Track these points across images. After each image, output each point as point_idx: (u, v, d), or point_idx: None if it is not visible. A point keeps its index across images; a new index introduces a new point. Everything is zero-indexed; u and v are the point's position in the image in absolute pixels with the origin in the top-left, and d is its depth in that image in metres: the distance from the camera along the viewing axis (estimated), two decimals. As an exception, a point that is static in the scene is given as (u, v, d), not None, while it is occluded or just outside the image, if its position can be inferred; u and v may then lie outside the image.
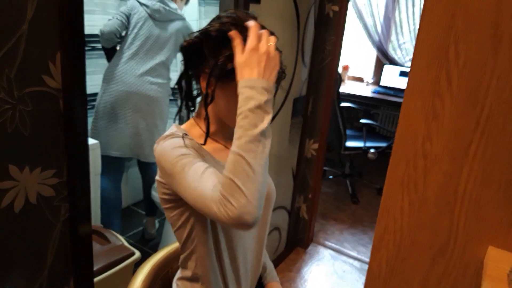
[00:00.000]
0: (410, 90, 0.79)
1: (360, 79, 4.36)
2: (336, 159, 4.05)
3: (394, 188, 0.85)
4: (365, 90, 4.00)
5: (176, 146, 0.81)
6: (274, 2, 1.75)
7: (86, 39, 2.11)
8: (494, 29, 0.69)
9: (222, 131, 0.94)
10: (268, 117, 0.72)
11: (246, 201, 0.67)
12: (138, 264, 1.31)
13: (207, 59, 0.84)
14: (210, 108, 0.88)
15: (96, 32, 2.15)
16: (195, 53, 0.86)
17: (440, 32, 0.73)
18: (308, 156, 2.47)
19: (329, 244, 2.70)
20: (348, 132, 3.39)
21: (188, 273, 0.96)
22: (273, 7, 1.75)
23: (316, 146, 2.42)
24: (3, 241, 0.97)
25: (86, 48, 2.26)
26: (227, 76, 0.80)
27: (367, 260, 2.51)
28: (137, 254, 1.54)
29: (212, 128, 0.92)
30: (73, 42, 0.96)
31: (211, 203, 0.71)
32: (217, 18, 0.86)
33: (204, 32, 0.85)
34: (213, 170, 0.77)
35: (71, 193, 1.07)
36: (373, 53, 4.26)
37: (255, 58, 0.73)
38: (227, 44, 0.79)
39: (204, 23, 2.94)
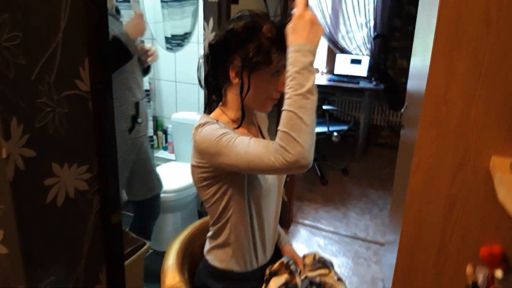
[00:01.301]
0: (435, 59, 1.10)
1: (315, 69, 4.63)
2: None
3: (425, 125, 1.15)
4: (321, 79, 4.27)
5: (215, 128, 0.96)
6: (249, 2, 1.91)
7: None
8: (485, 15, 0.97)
9: (246, 117, 1.08)
10: (313, 76, 0.85)
11: (301, 148, 0.81)
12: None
13: (235, 53, 0.99)
14: (235, 97, 1.03)
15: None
16: (222, 49, 1.01)
17: (452, 22, 1.06)
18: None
19: (307, 222, 2.92)
20: (312, 119, 3.64)
21: (219, 241, 1.10)
22: (248, 6, 1.91)
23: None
24: (48, 234, 1.06)
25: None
26: (256, 67, 0.96)
27: (343, 233, 2.76)
28: (148, 243, 1.64)
29: (238, 115, 1.07)
30: (99, 48, 1.07)
31: (267, 156, 0.84)
32: (238, 18, 1.01)
33: (230, 30, 1.00)
34: (256, 139, 0.91)
35: (102, 187, 1.17)
36: (324, 44, 4.54)
37: (302, 24, 0.86)
38: (252, 38, 0.94)
39: (169, 25, 3.04)
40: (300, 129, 0.82)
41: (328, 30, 4.37)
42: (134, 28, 1.75)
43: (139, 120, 1.92)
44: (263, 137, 1.20)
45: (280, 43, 0.96)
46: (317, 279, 1.14)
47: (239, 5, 1.78)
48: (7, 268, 1.01)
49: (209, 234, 1.15)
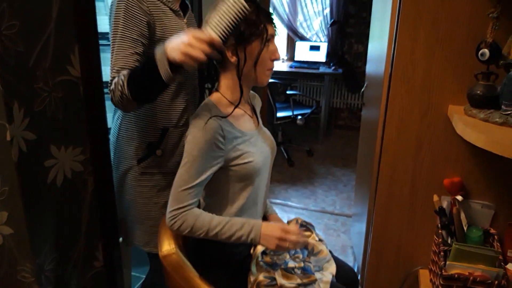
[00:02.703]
0: (402, 28, 1.31)
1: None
2: (269, 130, 4.44)
3: (397, 83, 1.37)
4: (283, 66, 4.41)
5: (201, 142, 1.07)
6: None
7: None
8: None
9: (244, 95, 1.16)
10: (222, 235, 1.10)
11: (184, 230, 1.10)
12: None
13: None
14: (231, 80, 1.13)
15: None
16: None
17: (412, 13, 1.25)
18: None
19: (279, 201, 3.07)
20: (277, 105, 3.78)
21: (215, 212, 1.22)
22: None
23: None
24: (51, 214, 1.12)
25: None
26: (249, 39, 1.08)
27: (313, 208, 2.94)
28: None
29: (235, 96, 1.15)
30: (87, 36, 1.13)
31: (168, 209, 1.10)
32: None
33: None
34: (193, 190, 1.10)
35: (95, 168, 1.24)
36: (284, 32, 4.67)
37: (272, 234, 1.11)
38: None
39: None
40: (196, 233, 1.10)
41: (287, 18, 4.51)
42: (178, 50, 0.97)
43: (158, 152, 1.30)
44: (257, 116, 1.30)
45: (263, 13, 1.10)
46: None
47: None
48: (13, 248, 1.07)
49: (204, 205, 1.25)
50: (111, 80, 1.11)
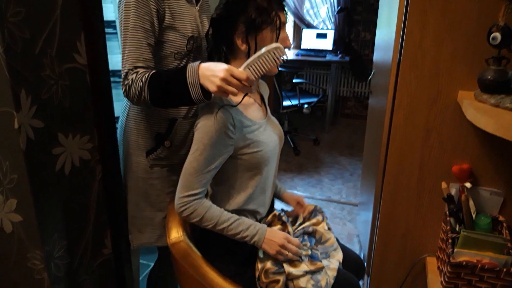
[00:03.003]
0: (411, 16, 1.28)
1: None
2: (276, 119, 4.43)
3: (405, 70, 1.34)
4: (289, 54, 4.38)
5: (212, 130, 1.07)
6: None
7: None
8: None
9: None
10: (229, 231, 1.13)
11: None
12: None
13: (238, 20, 1.07)
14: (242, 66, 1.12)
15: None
16: (225, 20, 1.09)
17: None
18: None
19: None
20: (283, 93, 3.76)
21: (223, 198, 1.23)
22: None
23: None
24: (59, 201, 1.13)
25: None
26: (261, 26, 1.07)
27: (319, 197, 2.94)
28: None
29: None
30: (93, 24, 1.12)
31: (177, 195, 1.11)
32: None
33: (227, 2, 1.09)
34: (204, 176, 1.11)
35: (103, 156, 1.24)
36: (290, 19, 4.63)
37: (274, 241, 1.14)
38: (250, 2, 1.05)
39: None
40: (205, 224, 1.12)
41: (293, 5, 4.46)
42: (213, 83, 1.01)
43: (167, 143, 1.30)
44: (265, 105, 1.29)
45: (279, 1, 1.09)
46: (310, 229, 1.27)
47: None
48: (22, 236, 1.08)
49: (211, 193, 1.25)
50: (126, 74, 1.10)
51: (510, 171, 1.31)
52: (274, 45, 1.02)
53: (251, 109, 1.18)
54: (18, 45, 0.93)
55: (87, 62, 1.14)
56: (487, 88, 1.14)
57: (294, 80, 3.66)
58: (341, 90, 4.70)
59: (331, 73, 4.25)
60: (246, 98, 1.15)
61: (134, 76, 1.08)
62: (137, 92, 1.07)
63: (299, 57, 4.22)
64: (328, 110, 4.32)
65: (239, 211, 1.19)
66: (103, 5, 1.14)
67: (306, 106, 3.66)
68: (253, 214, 1.23)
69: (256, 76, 1.03)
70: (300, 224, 1.29)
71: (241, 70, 1.00)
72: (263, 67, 1.03)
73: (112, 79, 2.74)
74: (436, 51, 1.27)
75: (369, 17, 4.36)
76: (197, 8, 1.26)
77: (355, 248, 2.34)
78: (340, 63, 4.30)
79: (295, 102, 3.66)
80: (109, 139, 1.25)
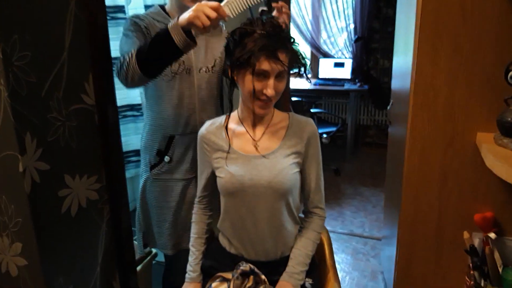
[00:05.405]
0: (421, 52, 1.24)
1: (301, 75, 4.73)
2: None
3: (417, 110, 1.28)
4: (307, 84, 4.37)
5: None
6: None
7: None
8: (461, 8, 1.03)
9: (248, 116, 1.19)
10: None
11: None
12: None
13: (230, 55, 1.13)
14: (240, 96, 1.18)
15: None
16: (227, 50, 1.16)
17: (432, 18, 1.21)
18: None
19: (305, 223, 2.98)
20: (301, 122, 3.73)
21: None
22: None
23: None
24: (65, 244, 1.10)
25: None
26: (239, 66, 1.10)
27: (340, 231, 2.83)
28: (154, 251, 1.68)
29: (244, 114, 1.23)
30: (101, 64, 1.12)
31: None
32: (243, 23, 1.14)
33: (231, 33, 1.14)
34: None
35: (111, 196, 1.22)
36: (307, 49, 4.65)
37: None
38: (243, 41, 1.08)
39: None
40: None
41: (310, 36, 4.48)
42: (189, 12, 1.12)
43: (166, 158, 1.47)
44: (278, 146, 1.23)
45: (264, 48, 1.07)
46: None
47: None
48: (27, 280, 1.05)
49: None
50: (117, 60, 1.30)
51: (540, 216, 1.21)
52: None
53: (239, 138, 1.22)
54: (23, 88, 0.93)
55: (95, 102, 1.14)
56: (508, 131, 1.06)
57: (312, 110, 3.62)
58: (361, 118, 4.63)
59: (350, 102, 4.20)
60: (238, 126, 1.23)
61: (121, 58, 1.27)
62: (126, 63, 1.24)
63: (317, 87, 4.21)
64: (348, 139, 4.24)
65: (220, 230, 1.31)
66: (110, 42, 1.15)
67: (325, 135, 3.60)
68: (230, 243, 1.28)
69: (234, 13, 1.14)
70: None
71: (214, 2, 1.11)
72: (241, 5, 1.14)
73: (130, 113, 2.76)
74: (449, 90, 1.19)
75: (387, 44, 4.34)
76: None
77: (380, 287, 2.21)
78: (359, 92, 4.25)
79: (313, 132, 3.61)
80: (117, 178, 1.23)
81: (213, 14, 1.07)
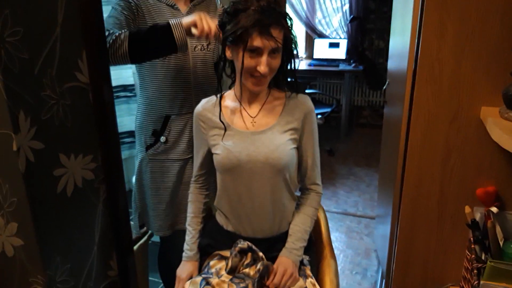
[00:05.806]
0: (427, 24, 1.21)
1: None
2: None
3: (422, 83, 1.27)
4: (301, 64, 4.33)
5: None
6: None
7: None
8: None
9: (244, 93, 1.19)
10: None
11: None
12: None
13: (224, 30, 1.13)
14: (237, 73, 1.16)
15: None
16: (222, 27, 1.14)
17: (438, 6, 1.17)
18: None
19: (299, 203, 3.01)
20: (295, 103, 3.71)
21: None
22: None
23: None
24: (61, 224, 1.09)
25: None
26: (231, 42, 1.10)
27: (334, 210, 2.86)
28: (150, 231, 1.69)
29: (238, 91, 1.20)
30: (95, 40, 1.10)
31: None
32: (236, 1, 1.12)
33: (224, 10, 1.13)
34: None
35: (107, 175, 1.21)
36: (302, 30, 4.59)
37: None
38: (237, 17, 1.07)
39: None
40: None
41: (305, 16, 4.42)
42: (193, 15, 1.25)
43: (162, 138, 1.46)
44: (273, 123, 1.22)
45: (256, 24, 1.05)
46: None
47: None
48: (24, 260, 1.04)
49: None
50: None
51: (541, 193, 1.22)
52: None
53: (234, 115, 1.22)
54: (16, 65, 0.91)
55: (89, 80, 1.11)
56: (514, 105, 1.06)
57: (307, 91, 3.60)
58: (355, 99, 4.63)
59: (345, 83, 4.19)
60: (233, 104, 1.23)
61: (114, 37, 1.26)
62: (116, 44, 1.25)
63: (312, 67, 4.17)
64: (343, 120, 4.25)
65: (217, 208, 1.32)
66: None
67: (319, 116, 3.60)
68: (227, 220, 1.28)
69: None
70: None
71: (213, 22, 1.21)
72: None
73: (123, 93, 2.71)
74: (455, 63, 1.19)
75: (383, 25, 4.29)
76: (184, 13, 1.39)
77: (373, 264, 2.25)
78: (354, 73, 4.23)
79: (308, 112, 3.60)
80: (113, 157, 1.22)
81: (212, 26, 1.21)
